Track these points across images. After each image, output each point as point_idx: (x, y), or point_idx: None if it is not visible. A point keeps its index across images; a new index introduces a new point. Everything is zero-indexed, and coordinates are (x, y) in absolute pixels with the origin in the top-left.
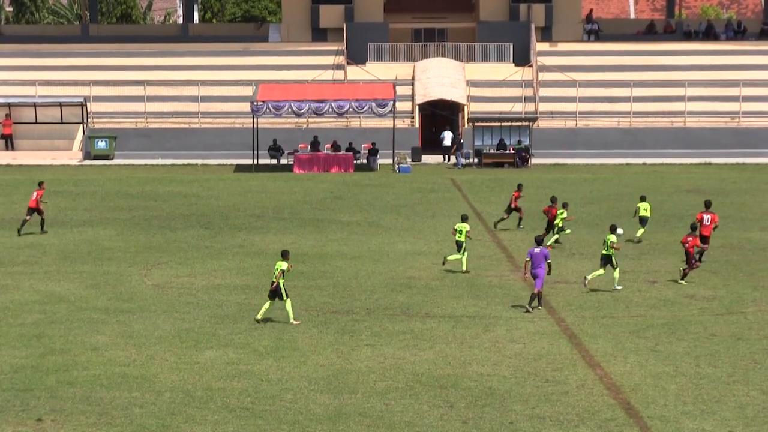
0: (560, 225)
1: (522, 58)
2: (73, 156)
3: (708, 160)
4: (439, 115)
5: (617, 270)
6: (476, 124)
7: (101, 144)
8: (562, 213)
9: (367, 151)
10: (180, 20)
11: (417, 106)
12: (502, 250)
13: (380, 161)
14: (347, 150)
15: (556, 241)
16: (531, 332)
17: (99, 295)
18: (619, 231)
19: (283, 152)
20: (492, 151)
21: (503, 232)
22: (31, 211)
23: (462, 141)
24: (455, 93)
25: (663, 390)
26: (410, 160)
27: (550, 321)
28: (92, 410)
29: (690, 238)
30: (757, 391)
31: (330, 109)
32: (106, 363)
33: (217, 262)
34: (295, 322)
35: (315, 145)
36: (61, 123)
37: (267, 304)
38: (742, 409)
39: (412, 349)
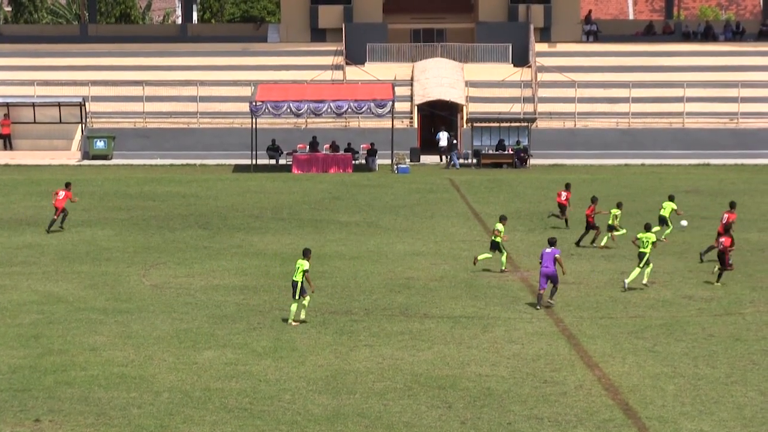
0: (613, 224)
1: (521, 59)
2: (71, 156)
3: (707, 160)
4: (438, 116)
5: (650, 267)
6: (475, 124)
7: (100, 144)
8: (616, 212)
9: (365, 152)
10: (179, 20)
11: (416, 107)
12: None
13: (379, 162)
14: (346, 150)
15: (611, 238)
16: (529, 333)
17: (97, 295)
18: (683, 223)
19: (282, 152)
20: (491, 152)
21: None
22: (58, 209)
23: (456, 142)
24: (454, 93)
25: (661, 390)
26: (409, 160)
27: (548, 321)
28: (90, 410)
29: (722, 239)
30: (755, 392)
31: (329, 110)
32: (105, 363)
33: (215, 263)
34: (293, 323)
35: (314, 145)
36: (60, 123)
37: (294, 306)
38: (740, 409)
39: (411, 350)
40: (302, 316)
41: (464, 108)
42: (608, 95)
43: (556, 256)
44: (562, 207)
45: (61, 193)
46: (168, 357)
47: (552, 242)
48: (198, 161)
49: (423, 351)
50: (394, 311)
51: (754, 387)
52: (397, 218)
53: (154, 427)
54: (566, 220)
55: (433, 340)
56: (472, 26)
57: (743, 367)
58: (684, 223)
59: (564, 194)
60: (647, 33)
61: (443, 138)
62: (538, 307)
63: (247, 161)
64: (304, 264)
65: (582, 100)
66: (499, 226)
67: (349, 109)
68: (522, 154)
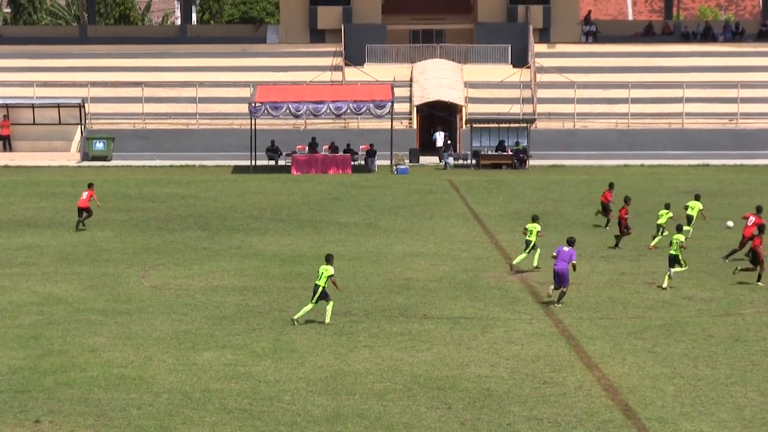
0: (663, 224)
1: (520, 60)
2: (71, 157)
3: (706, 161)
4: (437, 117)
5: (684, 268)
6: (474, 125)
7: (99, 145)
8: (667, 213)
9: (365, 153)
10: (178, 21)
11: (415, 108)
12: (500, 252)
13: (378, 162)
14: (345, 151)
15: (661, 235)
16: (529, 334)
17: (97, 296)
18: (729, 224)
19: (281, 153)
20: (490, 153)
21: (501, 234)
22: (81, 210)
23: (450, 142)
24: (453, 94)
25: (661, 391)
26: (408, 161)
27: (548, 322)
28: (90, 411)
29: (752, 239)
30: (755, 393)
31: (328, 111)
32: (104, 364)
33: (214, 264)
34: (297, 323)
35: (313, 146)
36: (59, 124)
37: (308, 307)
38: (740, 410)
39: (410, 351)
40: (327, 319)
41: (463, 109)
42: (607, 96)
43: (573, 261)
44: (605, 206)
45: (84, 194)
46: (167, 358)
47: (571, 242)
48: (197, 162)
49: (422, 352)
50: (394, 312)
51: (754, 388)
52: (397, 219)
53: (153, 428)
54: (608, 220)
55: (433, 341)
56: (471, 27)
57: (743, 367)
58: (730, 223)
59: (608, 194)
60: (646, 33)
61: (440, 138)
62: (552, 300)
63: (247, 162)
64: (329, 269)
65: (581, 100)
66: (532, 226)
67: (348, 110)
68: (521, 155)
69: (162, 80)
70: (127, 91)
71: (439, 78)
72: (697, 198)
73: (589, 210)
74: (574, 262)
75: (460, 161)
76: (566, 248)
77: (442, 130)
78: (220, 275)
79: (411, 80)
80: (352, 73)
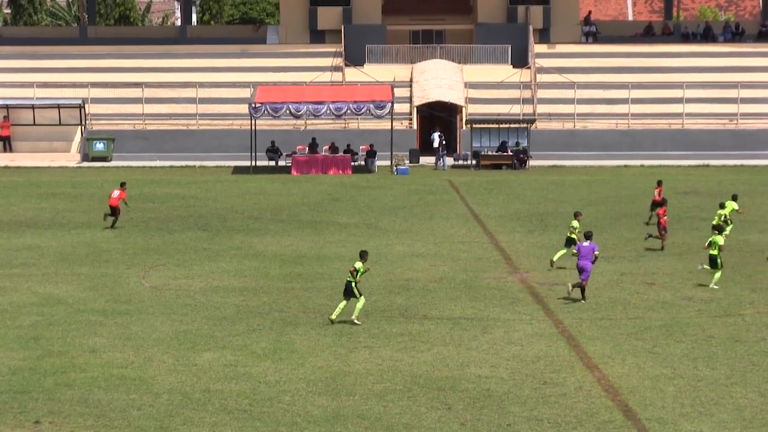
0: (719, 223)
1: (520, 60)
2: (71, 158)
3: (706, 162)
4: (437, 117)
5: (720, 272)
6: (474, 125)
7: (99, 146)
8: (726, 212)
9: (365, 153)
10: (178, 22)
11: (415, 108)
12: (500, 252)
13: (378, 163)
14: (345, 152)
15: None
16: (529, 334)
17: (97, 297)
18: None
19: (281, 154)
20: (490, 153)
21: (501, 234)
22: (112, 209)
23: (444, 142)
24: (453, 95)
25: (661, 392)
26: (408, 161)
27: (548, 323)
28: (90, 412)
29: None
30: (755, 393)
31: (328, 111)
32: (104, 365)
33: (214, 264)
34: (357, 322)
35: (313, 146)
36: (59, 125)
37: (342, 304)
38: (740, 411)
39: (410, 351)
40: (355, 315)
41: (463, 109)
42: (607, 96)
43: (596, 252)
44: (656, 204)
45: (116, 192)
46: (167, 359)
47: (588, 236)
48: (197, 163)
49: (422, 352)
50: (394, 313)
51: (754, 388)
52: (397, 219)
53: (153, 428)
54: (650, 216)
55: (433, 341)
56: (471, 27)
57: (743, 368)
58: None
59: (656, 191)
60: (646, 34)
61: (437, 139)
62: (575, 296)
63: (247, 163)
64: (361, 267)
65: (581, 101)
66: (575, 223)
67: (349, 111)
68: (521, 156)
69: (162, 81)
70: (127, 91)
71: (439, 78)
72: (734, 198)
73: (589, 210)
74: (596, 253)
75: (460, 162)
76: (586, 243)
77: (439, 131)
78: (220, 276)
79: (411, 81)
80: (352, 74)
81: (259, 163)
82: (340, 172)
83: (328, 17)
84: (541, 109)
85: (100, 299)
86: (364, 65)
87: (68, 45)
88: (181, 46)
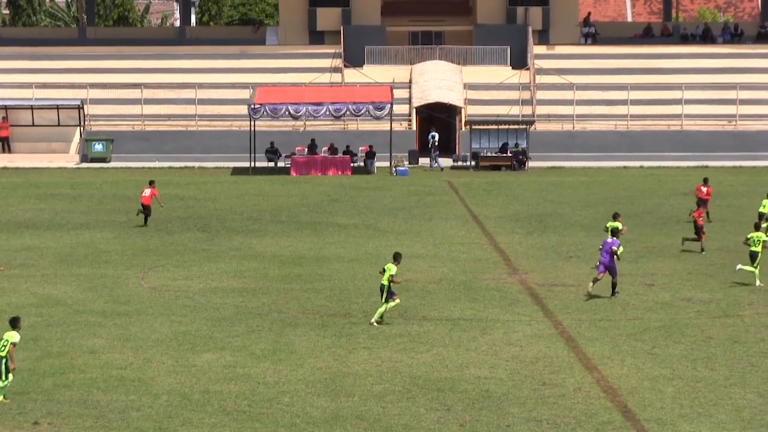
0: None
1: (519, 61)
2: (70, 159)
3: (705, 163)
4: (437, 118)
5: (758, 267)
6: (473, 127)
7: (98, 147)
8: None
9: (364, 154)
10: (177, 23)
11: (414, 109)
12: (499, 253)
13: (377, 164)
14: (344, 153)
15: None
16: (528, 335)
17: (96, 298)
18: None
19: (281, 155)
20: (489, 154)
21: (500, 236)
22: (145, 207)
23: (437, 144)
24: (452, 96)
25: (660, 393)
26: (407, 162)
27: (547, 324)
28: (89, 413)
29: None
30: (754, 394)
31: (327, 112)
32: (103, 366)
33: (214, 265)
34: (375, 324)
35: (312, 147)
36: (58, 126)
37: (382, 308)
38: (739, 411)
39: (409, 352)
40: (375, 317)
41: (463, 110)
42: (607, 97)
43: (614, 248)
44: (702, 201)
45: (147, 191)
46: (167, 360)
47: (614, 233)
48: (196, 164)
49: (421, 353)
50: (393, 313)
51: (753, 389)
52: (396, 221)
53: (152, 429)
54: (707, 213)
55: (432, 342)
56: (470, 29)
57: (742, 369)
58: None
59: (704, 189)
60: (645, 35)
61: (436, 138)
62: (590, 291)
63: (246, 164)
64: (391, 268)
65: (580, 102)
66: (618, 225)
67: (348, 112)
68: (520, 157)
69: (161, 82)
70: (126, 92)
71: (438, 79)
72: None
73: (588, 211)
74: (614, 248)
75: (460, 163)
76: (609, 239)
77: (435, 131)
78: (219, 277)
79: (410, 82)
80: (352, 75)
81: (259, 164)
82: (340, 173)
83: (328, 18)
84: (540, 110)
85: (99, 300)
86: (364, 66)
87: (67, 46)
88: (180, 47)
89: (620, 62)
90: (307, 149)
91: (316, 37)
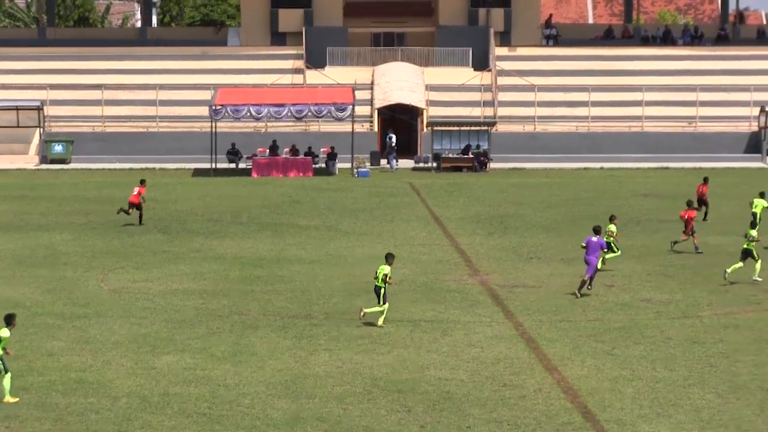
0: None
1: (481, 63)
2: (29, 160)
3: (665, 164)
4: (398, 120)
5: (759, 261)
6: (435, 128)
7: (58, 148)
8: (761, 203)
9: (325, 156)
10: (138, 24)
11: (376, 111)
12: (460, 255)
13: (339, 165)
14: (306, 154)
15: None
16: (489, 336)
17: (55, 300)
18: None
19: (242, 156)
20: (451, 155)
21: (462, 237)
22: (132, 205)
23: (395, 146)
24: (414, 97)
25: (620, 393)
26: (369, 164)
27: (507, 325)
28: (47, 416)
29: None
30: (713, 395)
31: (289, 113)
32: (62, 368)
33: (174, 267)
34: (381, 324)
35: (274, 149)
36: (18, 127)
37: (383, 308)
38: (698, 412)
39: (370, 354)
40: (379, 322)
41: (424, 112)
42: (568, 99)
43: (604, 249)
44: (702, 200)
45: (136, 189)
46: (126, 362)
47: (597, 231)
48: (157, 165)
49: (382, 355)
50: (354, 315)
51: (712, 389)
52: (357, 222)
53: None
54: (705, 213)
55: (393, 344)
56: (432, 30)
57: (701, 369)
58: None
59: (702, 188)
60: (606, 37)
61: (393, 140)
62: (578, 296)
63: (207, 165)
64: (384, 268)
65: (542, 103)
66: (612, 227)
67: (309, 113)
68: (482, 158)
69: (122, 83)
70: (86, 93)
71: (400, 81)
72: (762, 195)
73: (549, 213)
74: (605, 249)
75: (421, 164)
76: (594, 238)
77: (393, 132)
78: (180, 279)
79: (372, 83)
80: (313, 76)
81: (220, 165)
82: (301, 174)
83: (289, 19)
84: (502, 111)
85: (59, 302)
86: (325, 67)
87: (27, 47)
88: (141, 48)
89: (581, 64)
90: (268, 150)
91: (278, 38)
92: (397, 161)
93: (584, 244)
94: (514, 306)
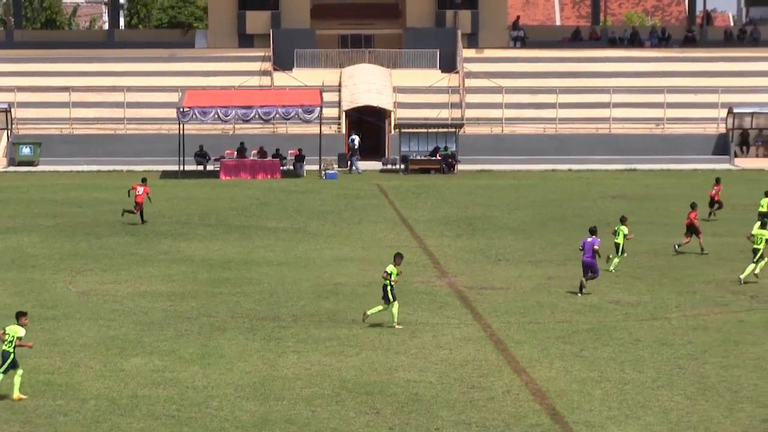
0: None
1: (448, 65)
2: None
3: (633, 166)
4: (366, 122)
5: (764, 261)
6: (403, 130)
7: (26, 150)
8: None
9: (293, 158)
10: (105, 26)
11: (344, 113)
12: (428, 256)
13: (307, 167)
14: (274, 156)
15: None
16: (457, 338)
17: (23, 302)
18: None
19: (210, 158)
20: (419, 158)
21: (430, 239)
22: (138, 205)
23: (357, 147)
24: (382, 99)
25: (588, 395)
26: (337, 166)
27: (476, 327)
28: (15, 419)
29: None
30: (681, 396)
31: (256, 116)
32: (31, 371)
33: (142, 269)
34: (398, 326)
35: (241, 151)
36: None
37: (380, 306)
38: (666, 414)
39: (339, 356)
40: (395, 323)
41: (392, 114)
42: (535, 101)
43: (595, 247)
44: (712, 200)
45: (140, 189)
46: (95, 364)
47: (593, 231)
48: (125, 167)
49: (351, 357)
50: (322, 317)
51: (680, 391)
52: (325, 224)
53: None
54: (713, 212)
55: (361, 345)
56: (399, 32)
57: (669, 371)
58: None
59: (715, 188)
60: (574, 39)
61: (356, 142)
62: (580, 294)
63: (175, 167)
64: (389, 267)
65: (509, 105)
66: (624, 229)
67: (277, 115)
68: (450, 160)
69: (90, 85)
70: (54, 95)
71: (368, 83)
72: (767, 195)
73: (517, 215)
74: (596, 247)
75: (389, 166)
76: (590, 238)
77: (354, 134)
78: (148, 281)
79: (340, 85)
80: (281, 78)
81: (188, 167)
82: (269, 176)
83: (257, 21)
84: (470, 113)
85: (27, 304)
86: (293, 69)
87: None
88: (109, 50)
89: (549, 66)
90: (236, 152)
91: (246, 40)
92: (358, 163)
93: (581, 247)
94: (482, 308)
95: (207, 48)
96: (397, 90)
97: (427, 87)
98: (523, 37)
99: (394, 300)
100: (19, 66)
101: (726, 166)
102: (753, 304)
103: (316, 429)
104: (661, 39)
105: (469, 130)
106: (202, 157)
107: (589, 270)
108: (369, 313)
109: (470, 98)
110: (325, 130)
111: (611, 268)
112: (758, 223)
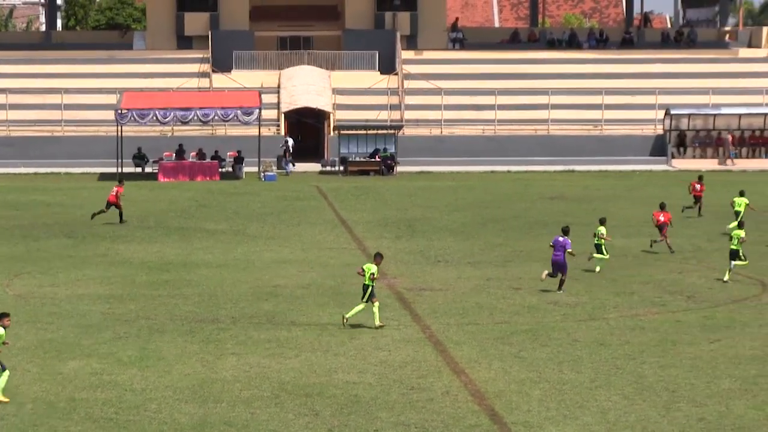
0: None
1: (387, 66)
2: None
3: (571, 167)
4: (305, 123)
5: (745, 262)
6: (342, 132)
7: None
8: (743, 201)
9: (232, 159)
10: (43, 27)
11: (283, 114)
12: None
13: (246, 169)
14: (212, 158)
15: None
16: (396, 340)
17: None
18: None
19: (148, 160)
20: (358, 159)
21: (369, 240)
22: (109, 205)
23: (290, 150)
24: (321, 101)
25: (526, 396)
26: (276, 168)
27: (415, 328)
28: None
29: None
30: (619, 396)
31: (195, 117)
32: None
33: (80, 272)
34: (378, 324)
35: (180, 153)
36: None
37: (359, 306)
38: (604, 414)
39: (278, 358)
40: (376, 321)
41: (331, 115)
42: (474, 102)
43: (568, 250)
44: (696, 198)
45: (114, 189)
46: (32, 367)
47: (565, 231)
48: (63, 170)
49: (290, 359)
50: (261, 319)
51: (618, 391)
52: (264, 226)
53: None
54: (699, 209)
55: (300, 347)
56: (339, 34)
57: (607, 371)
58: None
59: (698, 186)
60: (513, 41)
61: (289, 143)
62: (542, 280)
63: (113, 169)
64: (371, 267)
65: (448, 107)
66: (602, 230)
67: (216, 117)
68: (389, 162)
69: (26, 87)
70: None
71: (306, 84)
72: (741, 194)
73: (456, 216)
74: (569, 249)
75: (328, 168)
76: (561, 238)
77: (288, 136)
78: (86, 283)
79: (279, 87)
80: (220, 80)
81: (126, 169)
82: (208, 178)
83: (196, 23)
84: (409, 115)
85: None
86: (232, 71)
87: None
88: (46, 52)
89: (488, 67)
90: (174, 154)
91: (184, 42)
92: (293, 165)
93: (552, 244)
94: (421, 309)
95: (145, 50)
96: (336, 92)
97: (367, 89)
98: (461, 38)
99: (367, 301)
100: None
101: (663, 167)
102: (690, 304)
103: (255, 431)
104: (599, 41)
105: (408, 131)
106: (140, 159)
107: (558, 269)
108: (348, 316)
109: (409, 100)
110: (264, 132)
111: (597, 269)
112: (735, 222)
